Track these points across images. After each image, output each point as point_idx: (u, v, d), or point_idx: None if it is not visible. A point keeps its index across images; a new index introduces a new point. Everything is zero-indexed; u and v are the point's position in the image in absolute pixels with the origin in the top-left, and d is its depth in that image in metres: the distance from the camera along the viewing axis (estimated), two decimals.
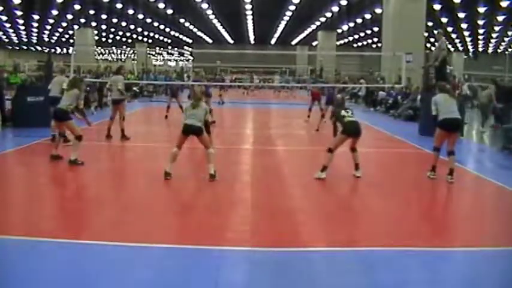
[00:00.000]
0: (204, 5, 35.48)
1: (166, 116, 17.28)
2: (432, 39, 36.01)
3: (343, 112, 8.71)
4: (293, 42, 58.66)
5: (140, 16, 40.25)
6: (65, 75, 12.51)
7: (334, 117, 8.96)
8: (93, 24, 42.82)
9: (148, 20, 43.23)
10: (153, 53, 66.90)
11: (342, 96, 10.55)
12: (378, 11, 31.26)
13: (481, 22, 37.98)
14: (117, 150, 11.80)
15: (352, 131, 8.58)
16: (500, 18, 35.00)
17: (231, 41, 59.04)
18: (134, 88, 28.32)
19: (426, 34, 29.68)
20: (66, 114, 9.33)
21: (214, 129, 14.97)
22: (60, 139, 9.82)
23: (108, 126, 12.36)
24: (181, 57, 69.20)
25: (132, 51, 64.15)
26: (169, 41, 60.47)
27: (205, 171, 8.14)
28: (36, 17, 39.87)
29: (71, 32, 47.73)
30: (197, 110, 8.14)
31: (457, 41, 50.99)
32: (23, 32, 50.91)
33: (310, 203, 7.20)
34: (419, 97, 18.10)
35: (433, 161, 8.79)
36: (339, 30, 45.77)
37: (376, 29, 40.49)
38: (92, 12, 37.66)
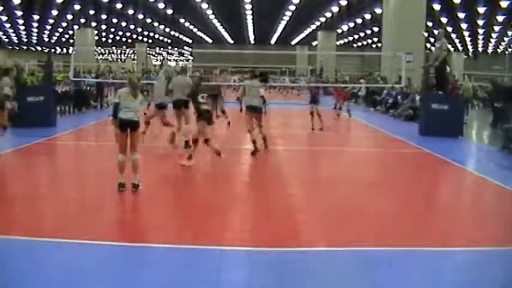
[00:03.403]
0: (204, 5, 35.49)
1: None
2: (432, 39, 36.02)
3: (199, 98, 8.15)
4: (293, 42, 58.67)
5: (140, 16, 40.27)
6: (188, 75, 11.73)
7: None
8: (93, 24, 42.83)
9: (148, 20, 43.25)
10: (153, 53, 66.92)
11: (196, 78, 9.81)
12: (378, 11, 31.26)
13: (480, 22, 38.00)
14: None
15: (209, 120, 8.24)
16: (500, 18, 35.03)
17: (231, 41, 59.06)
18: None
19: (426, 34, 29.69)
20: None
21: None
22: None
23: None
24: (181, 57, 69.27)
25: (132, 51, 64.15)
26: (169, 41, 60.50)
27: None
28: (36, 17, 39.88)
29: (71, 32, 47.71)
30: (133, 102, 7.24)
31: (456, 41, 51.01)
32: (23, 32, 50.93)
33: (310, 203, 7.20)
34: (418, 97, 18.11)
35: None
36: (339, 30, 45.76)
37: (376, 29, 40.50)
38: (92, 12, 37.67)
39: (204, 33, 54.98)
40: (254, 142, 10.52)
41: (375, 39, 49.23)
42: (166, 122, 11.02)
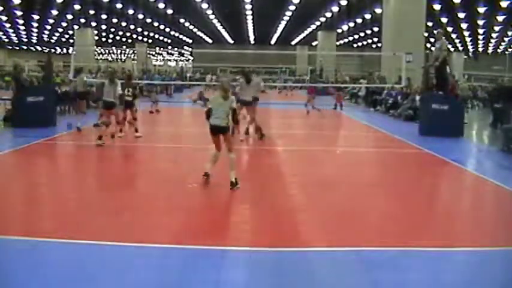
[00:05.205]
0: (204, 5, 35.50)
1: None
2: (432, 39, 36.04)
3: None
4: (293, 42, 58.67)
5: (140, 16, 40.27)
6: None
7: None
8: (93, 24, 42.83)
9: (148, 20, 43.24)
10: (153, 53, 66.90)
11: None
12: (378, 11, 31.27)
13: (481, 22, 38.00)
14: (119, 151, 11.78)
15: None
16: (500, 18, 35.03)
17: (231, 41, 59.07)
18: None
19: (426, 34, 29.70)
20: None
21: None
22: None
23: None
24: (181, 57, 69.26)
25: (132, 51, 64.15)
26: (169, 41, 60.49)
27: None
28: (36, 17, 39.88)
29: (71, 32, 47.75)
30: (224, 105, 7.63)
31: (457, 41, 51.01)
32: (23, 32, 50.94)
33: (310, 203, 7.20)
34: (418, 97, 18.10)
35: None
36: (339, 30, 45.77)
37: (376, 29, 40.51)
38: (92, 12, 37.68)
39: (204, 33, 54.98)
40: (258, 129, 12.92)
41: (375, 39, 49.24)
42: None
